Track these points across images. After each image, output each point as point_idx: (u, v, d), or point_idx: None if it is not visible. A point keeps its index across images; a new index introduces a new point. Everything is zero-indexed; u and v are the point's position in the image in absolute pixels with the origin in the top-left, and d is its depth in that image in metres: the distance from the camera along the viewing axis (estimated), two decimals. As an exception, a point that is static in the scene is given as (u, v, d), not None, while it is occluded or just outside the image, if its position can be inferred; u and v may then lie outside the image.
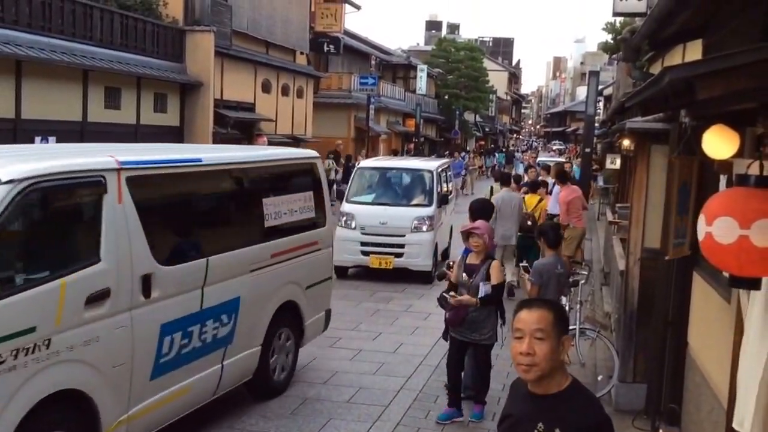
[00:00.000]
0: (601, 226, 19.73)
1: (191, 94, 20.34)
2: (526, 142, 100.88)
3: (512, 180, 13.62)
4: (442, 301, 6.95)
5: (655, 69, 11.28)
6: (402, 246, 13.01)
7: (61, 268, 4.68)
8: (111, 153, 5.32)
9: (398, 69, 48.17)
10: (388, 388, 7.72)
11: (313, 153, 8.62)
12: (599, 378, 7.74)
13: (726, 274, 3.49)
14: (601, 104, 36.21)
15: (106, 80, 17.10)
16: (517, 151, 68.12)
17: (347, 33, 36.55)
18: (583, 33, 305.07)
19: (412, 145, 42.58)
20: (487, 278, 6.76)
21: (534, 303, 2.84)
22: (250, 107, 24.54)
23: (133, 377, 5.22)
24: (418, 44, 76.80)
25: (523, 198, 13.01)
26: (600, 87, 30.19)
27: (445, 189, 14.68)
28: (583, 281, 9.07)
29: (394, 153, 34.87)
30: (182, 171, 6.00)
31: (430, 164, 14.88)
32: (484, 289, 6.69)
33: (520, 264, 8.82)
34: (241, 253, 6.48)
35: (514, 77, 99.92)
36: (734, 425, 3.43)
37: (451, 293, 6.84)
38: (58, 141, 13.55)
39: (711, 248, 3.11)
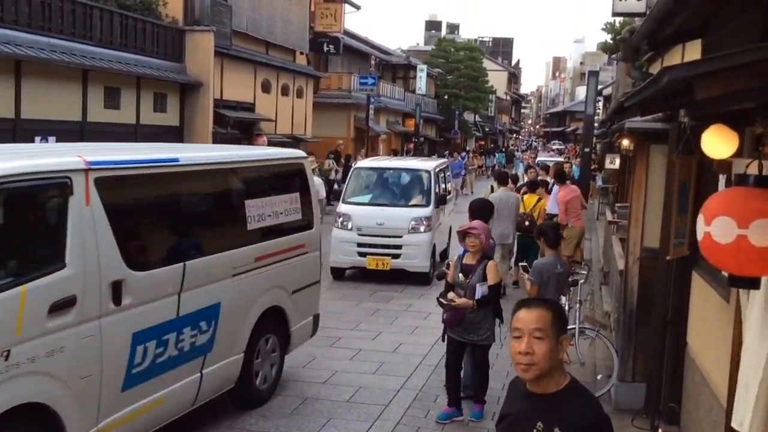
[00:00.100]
0: (600, 225, 19.73)
1: (191, 94, 20.35)
2: (525, 141, 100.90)
3: (509, 179, 13.61)
4: (441, 302, 6.95)
5: (655, 69, 11.27)
6: (399, 247, 12.89)
7: (22, 275, 4.41)
8: (80, 153, 5.05)
9: (398, 69, 48.17)
10: (388, 387, 7.73)
11: (300, 153, 8.38)
12: (598, 377, 7.76)
13: (725, 274, 3.50)
14: (600, 104, 36.23)
15: (106, 80, 17.12)
16: (517, 150, 68.18)
17: (347, 33, 36.56)
18: (583, 33, 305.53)
19: (411, 145, 42.55)
20: (484, 279, 6.73)
21: (533, 302, 2.85)
22: (250, 107, 24.55)
23: (102, 389, 4.97)
24: (417, 44, 76.84)
25: (522, 198, 13.03)
26: (599, 87, 30.28)
27: (443, 189, 14.60)
28: (582, 281, 9.10)
29: (394, 153, 34.88)
30: (157, 171, 5.71)
31: (427, 164, 14.76)
32: (480, 290, 6.65)
33: (520, 263, 8.83)
34: (222, 257, 6.21)
35: (514, 77, 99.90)
36: (733, 424, 3.43)
37: (449, 295, 6.81)
38: (57, 141, 13.53)
39: (710, 248, 3.11)
